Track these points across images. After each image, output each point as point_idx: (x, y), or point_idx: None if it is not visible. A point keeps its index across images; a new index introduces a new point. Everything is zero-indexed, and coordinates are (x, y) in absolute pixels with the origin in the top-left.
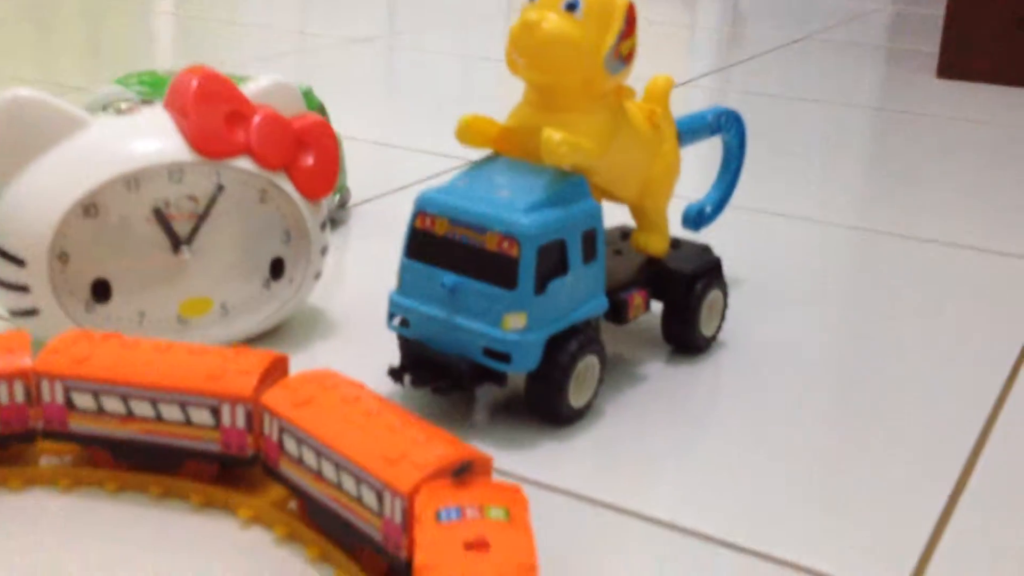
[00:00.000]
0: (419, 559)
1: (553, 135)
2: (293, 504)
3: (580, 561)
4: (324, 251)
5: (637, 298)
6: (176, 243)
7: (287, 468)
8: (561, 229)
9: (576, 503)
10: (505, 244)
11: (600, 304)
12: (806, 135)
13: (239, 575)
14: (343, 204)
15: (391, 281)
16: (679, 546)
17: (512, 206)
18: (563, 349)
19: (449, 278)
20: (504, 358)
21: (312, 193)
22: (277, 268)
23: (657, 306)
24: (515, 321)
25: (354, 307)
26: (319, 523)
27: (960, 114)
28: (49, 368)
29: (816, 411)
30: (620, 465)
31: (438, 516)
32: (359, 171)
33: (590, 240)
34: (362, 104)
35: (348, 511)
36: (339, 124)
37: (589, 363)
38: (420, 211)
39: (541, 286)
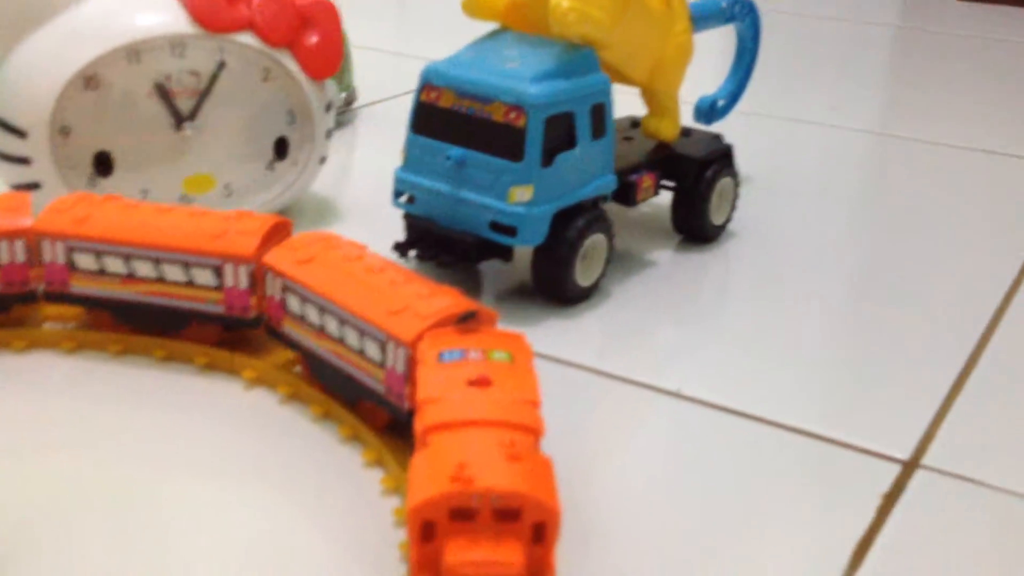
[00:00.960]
0: (421, 394)
1: (562, 2)
2: (297, 369)
3: (589, 429)
4: (329, 134)
5: (647, 180)
6: (178, 119)
7: (290, 327)
8: (569, 100)
9: (583, 375)
10: (512, 115)
11: (609, 182)
12: (825, 50)
13: (244, 435)
14: (350, 102)
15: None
16: (685, 414)
17: (519, 76)
18: (570, 225)
19: (455, 152)
20: (510, 231)
21: (316, 72)
22: (281, 149)
23: (666, 198)
24: (521, 194)
25: (360, 195)
26: (322, 381)
27: (978, 33)
28: (50, 227)
29: (824, 298)
30: (627, 341)
31: (440, 357)
32: (368, 76)
33: (599, 114)
34: (373, 14)
35: (351, 365)
36: (349, 31)
37: (596, 241)
38: (426, 84)
39: (548, 158)
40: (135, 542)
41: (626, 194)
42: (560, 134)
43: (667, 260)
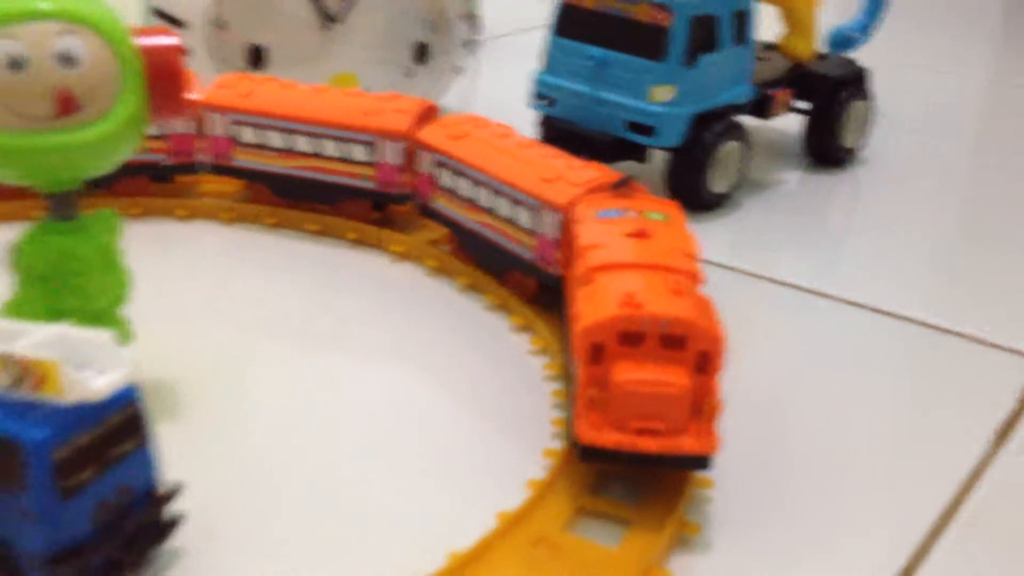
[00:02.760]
0: (583, 241)
1: None
2: (445, 248)
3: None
4: (466, 45)
5: (782, 95)
6: (327, 18)
7: (441, 202)
8: (714, 3)
9: (714, 270)
10: (657, 14)
11: (746, 91)
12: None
13: (392, 305)
14: (470, 49)
15: (523, 95)
16: (820, 310)
17: None
18: (708, 129)
19: (597, 52)
20: (648, 131)
21: None
22: (420, 54)
23: (794, 126)
24: (662, 93)
25: (489, 110)
26: (470, 254)
27: None
28: (216, 101)
29: (950, 220)
30: (756, 243)
31: (597, 215)
32: (493, 9)
33: (742, 21)
34: None
35: (501, 236)
36: None
37: (732, 148)
38: None
39: (691, 59)
40: (285, 408)
41: (761, 107)
42: (703, 36)
43: (797, 179)
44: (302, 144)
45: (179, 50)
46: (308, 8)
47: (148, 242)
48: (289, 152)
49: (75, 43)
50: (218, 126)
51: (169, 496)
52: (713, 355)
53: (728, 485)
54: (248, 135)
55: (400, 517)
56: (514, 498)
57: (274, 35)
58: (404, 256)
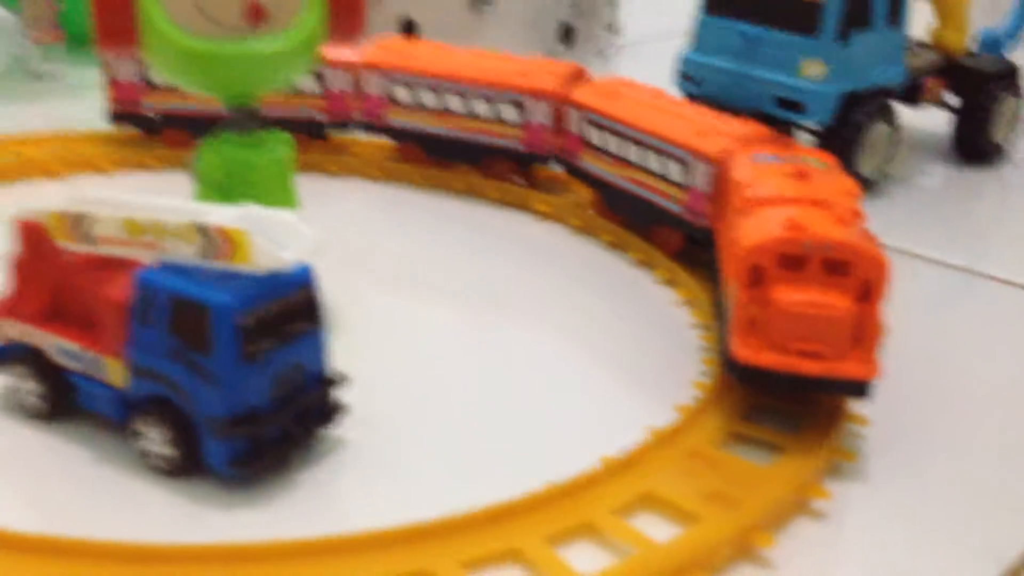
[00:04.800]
0: (740, 177)
1: None
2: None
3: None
4: (610, 28)
5: (933, 83)
6: None
7: (588, 160)
8: None
9: None
10: None
11: (898, 73)
12: None
13: (537, 260)
14: (613, 32)
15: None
16: (982, 290)
17: None
18: (858, 109)
19: (748, 28)
20: (798, 108)
21: None
22: (565, 36)
23: (941, 125)
24: (813, 68)
25: None
26: (616, 211)
27: None
28: (374, 60)
29: None
30: (904, 223)
31: (754, 159)
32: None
33: (896, 1)
34: None
35: (649, 191)
36: None
37: (881, 131)
38: None
39: (844, 35)
40: (439, 344)
41: (912, 93)
42: (857, 13)
43: (942, 174)
44: (454, 104)
45: None
46: None
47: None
48: (441, 112)
49: None
50: (374, 85)
51: (337, 381)
52: (877, 282)
53: (883, 427)
54: (403, 94)
55: (553, 428)
56: (666, 420)
57: (426, 11)
58: (548, 215)
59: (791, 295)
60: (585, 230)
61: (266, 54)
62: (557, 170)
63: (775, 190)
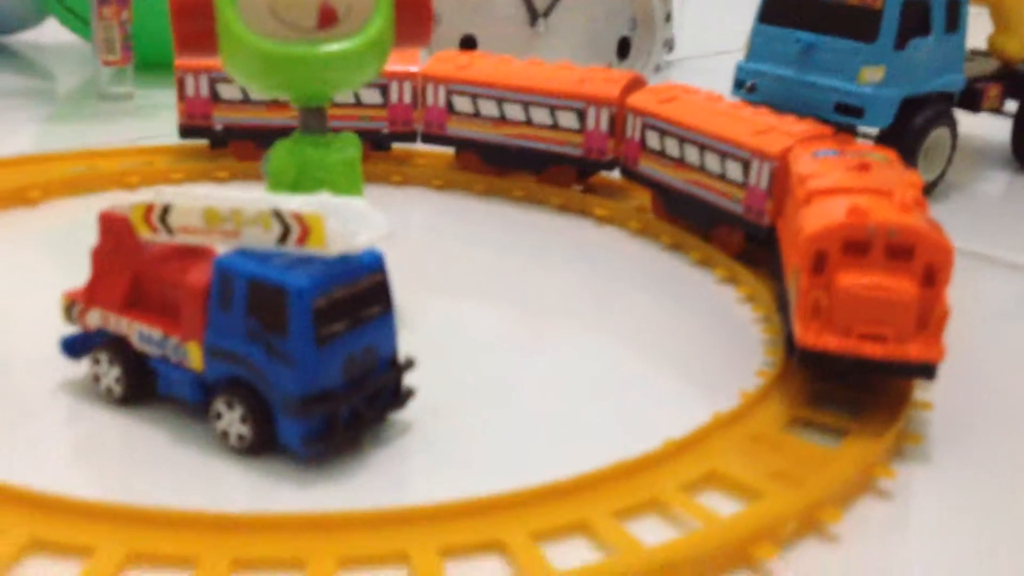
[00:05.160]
0: (801, 170)
1: None
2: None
3: None
4: (667, 44)
5: (992, 89)
6: (533, 16)
7: (647, 164)
8: None
9: None
10: None
11: (957, 80)
12: None
13: (598, 262)
14: (669, 48)
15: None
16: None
17: None
18: (918, 114)
19: (805, 35)
20: (857, 112)
21: None
22: (623, 50)
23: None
24: (872, 74)
25: None
26: (675, 213)
27: None
28: (435, 72)
29: None
30: (967, 226)
31: (815, 154)
32: (687, 31)
33: (954, 8)
34: None
35: (709, 191)
36: None
37: (941, 136)
38: None
39: (902, 42)
40: (505, 346)
41: (972, 99)
42: (915, 20)
43: (1004, 181)
44: (514, 112)
45: None
46: (517, 5)
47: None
48: (501, 120)
49: None
50: (435, 96)
51: (407, 366)
52: (941, 266)
53: (947, 413)
54: (463, 104)
55: (618, 414)
56: (730, 405)
57: (484, 29)
58: (608, 220)
59: (856, 279)
60: (645, 233)
61: (338, 56)
62: (615, 176)
63: (837, 181)
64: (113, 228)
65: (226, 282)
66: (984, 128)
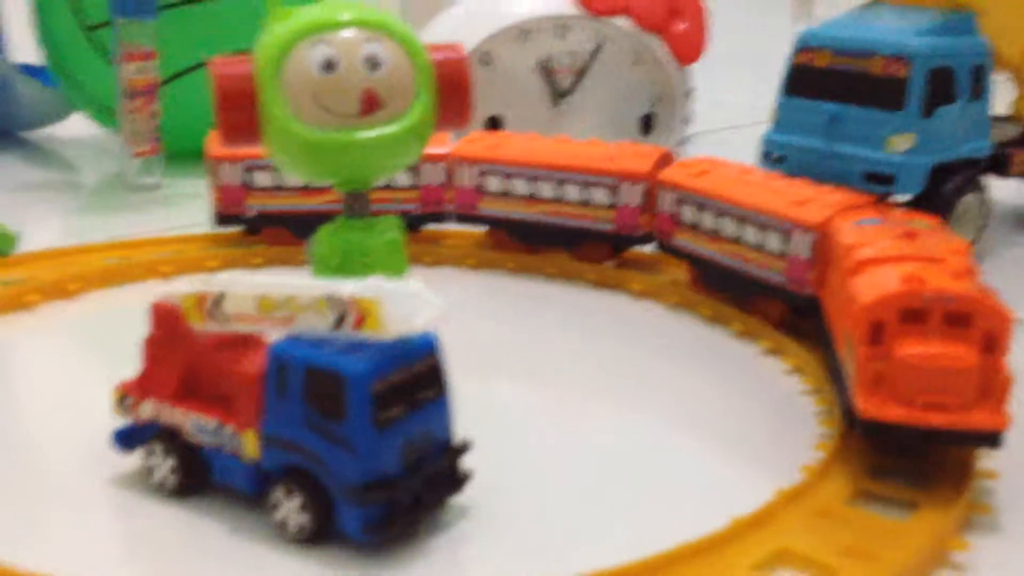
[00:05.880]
0: (846, 241)
1: None
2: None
3: None
4: (686, 120)
5: (1020, 155)
6: (557, 94)
7: (682, 238)
8: (950, 55)
9: None
10: (892, 66)
11: (984, 146)
12: None
13: (636, 337)
14: (686, 123)
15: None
16: None
17: (900, 31)
18: (948, 180)
19: (832, 107)
20: (887, 180)
21: (684, 57)
22: (646, 126)
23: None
24: (901, 143)
25: None
26: (712, 286)
27: None
28: (466, 153)
29: None
30: (1009, 288)
31: (859, 223)
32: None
33: (978, 75)
34: None
35: (747, 263)
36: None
37: (971, 202)
38: (802, 47)
39: (929, 110)
40: (547, 426)
41: (1000, 163)
42: (941, 88)
43: None
44: (545, 190)
45: (467, 63)
46: (540, 84)
47: None
48: (532, 198)
49: (379, 49)
50: (466, 177)
51: (464, 448)
52: (1001, 334)
53: (1013, 481)
54: (494, 184)
55: (674, 494)
56: (791, 481)
57: (509, 109)
58: (644, 294)
59: (916, 348)
60: (683, 306)
61: (382, 141)
62: (648, 250)
63: (885, 249)
64: (165, 318)
65: (282, 369)
66: (1015, 194)
